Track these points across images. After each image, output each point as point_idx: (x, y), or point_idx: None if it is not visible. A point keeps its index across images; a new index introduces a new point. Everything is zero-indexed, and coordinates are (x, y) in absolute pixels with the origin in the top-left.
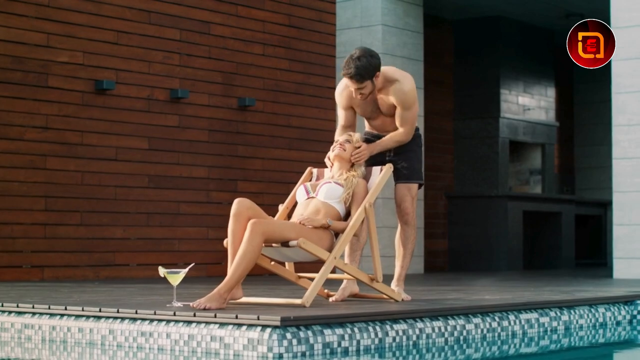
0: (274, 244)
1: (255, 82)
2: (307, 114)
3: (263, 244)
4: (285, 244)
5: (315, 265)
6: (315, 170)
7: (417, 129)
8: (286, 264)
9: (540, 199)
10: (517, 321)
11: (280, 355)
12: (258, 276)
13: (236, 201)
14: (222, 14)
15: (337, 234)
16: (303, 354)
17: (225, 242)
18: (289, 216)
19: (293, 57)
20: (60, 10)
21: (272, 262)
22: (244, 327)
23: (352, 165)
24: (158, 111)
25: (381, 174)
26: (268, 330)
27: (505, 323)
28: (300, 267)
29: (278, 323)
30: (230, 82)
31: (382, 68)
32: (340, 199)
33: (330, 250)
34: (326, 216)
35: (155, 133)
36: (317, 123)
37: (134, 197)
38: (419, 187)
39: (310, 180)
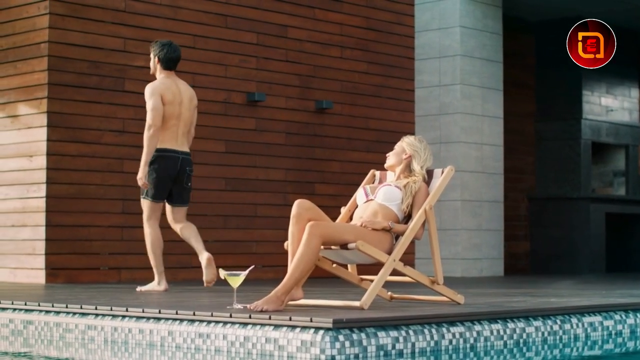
0: (333, 247)
1: (332, 85)
2: (385, 116)
3: (322, 247)
4: (344, 246)
5: (380, 267)
6: (378, 173)
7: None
8: (348, 266)
9: (624, 201)
10: (580, 324)
11: (333, 357)
12: (326, 279)
13: (296, 203)
14: (299, 17)
15: (397, 236)
16: (356, 356)
17: (285, 244)
18: (351, 218)
19: (371, 59)
20: (136, 15)
21: (334, 265)
22: (298, 329)
23: (410, 167)
24: (235, 114)
25: (442, 176)
26: (321, 332)
27: (567, 326)
28: (364, 269)
29: (330, 325)
30: (308, 85)
31: None
32: (399, 207)
33: (390, 252)
34: (384, 219)
35: (232, 136)
36: (395, 125)
37: (211, 199)
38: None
39: (373, 183)
